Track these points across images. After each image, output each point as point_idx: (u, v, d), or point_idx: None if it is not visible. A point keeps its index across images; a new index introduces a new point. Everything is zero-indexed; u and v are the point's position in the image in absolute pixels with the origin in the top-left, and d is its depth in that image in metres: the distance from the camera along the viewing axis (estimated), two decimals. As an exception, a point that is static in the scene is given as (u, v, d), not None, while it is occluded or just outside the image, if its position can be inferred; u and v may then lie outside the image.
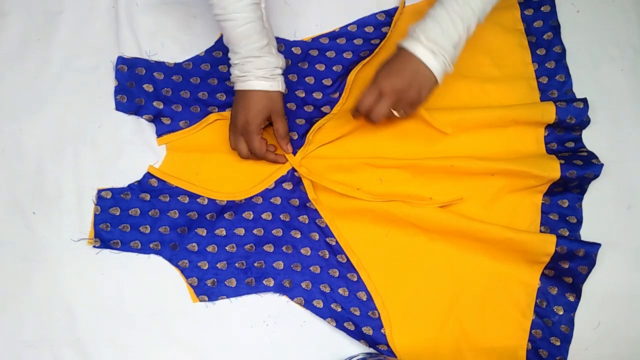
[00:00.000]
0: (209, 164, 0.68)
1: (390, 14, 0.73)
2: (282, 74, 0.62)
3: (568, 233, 0.65)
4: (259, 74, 0.60)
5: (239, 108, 0.62)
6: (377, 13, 0.73)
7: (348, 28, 0.73)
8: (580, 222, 0.66)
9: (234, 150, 0.65)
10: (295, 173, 0.67)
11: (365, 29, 0.72)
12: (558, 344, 0.62)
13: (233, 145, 0.65)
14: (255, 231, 0.65)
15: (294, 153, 0.67)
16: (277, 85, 0.61)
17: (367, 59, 0.69)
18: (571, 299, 0.63)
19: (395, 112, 0.60)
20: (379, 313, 0.62)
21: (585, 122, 0.66)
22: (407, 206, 0.63)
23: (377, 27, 0.72)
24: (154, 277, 0.64)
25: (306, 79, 0.70)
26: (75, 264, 0.64)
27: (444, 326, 0.63)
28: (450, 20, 0.56)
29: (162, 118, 0.68)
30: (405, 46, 0.58)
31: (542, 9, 0.72)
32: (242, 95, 0.61)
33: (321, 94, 0.70)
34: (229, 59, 0.61)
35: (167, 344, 0.63)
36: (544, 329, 0.63)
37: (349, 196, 0.64)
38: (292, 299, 0.64)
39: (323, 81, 0.70)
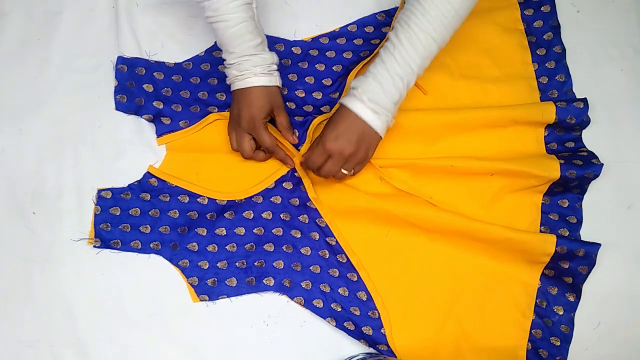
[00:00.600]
0: (209, 164, 0.68)
1: (390, 13, 0.73)
2: (278, 70, 0.63)
3: (568, 233, 0.65)
4: (257, 70, 0.60)
5: (241, 106, 0.62)
6: (377, 13, 0.73)
7: (348, 28, 0.73)
8: (580, 222, 0.66)
9: (237, 151, 0.65)
10: (295, 173, 0.67)
11: (365, 28, 0.72)
12: (558, 344, 0.62)
13: (236, 145, 0.65)
14: (255, 230, 0.65)
15: (297, 150, 0.67)
16: (275, 80, 0.62)
17: (367, 59, 0.69)
18: (571, 299, 0.63)
19: (344, 171, 0.61)
20: (378, 313, 0.62)
21: (585, 122, 0.66)
22: (407, 206, 0.63)
23: (377, 27, 0.72)
24: (154, 277, 0.64)
25: (306, 78, 0.70)
26: (75, 264, 0.64)
27: (444, 326, 0.63)
28: (391, 80, 0.57)
29: (162, 118, 0.68)
30: (350, 107, 0.58)
31: (542, 9, 0.72)
32: (243, 93, 0.61)
33: (321, 94, 0.70)
34: (224, 60, 0.62)
35: (167, 344, 0.63)
36: (544, 329, 0.63)
37: (351, 186, 0.64)
38: (292, 298, 0.64)
39: (323, 81, 0.70)
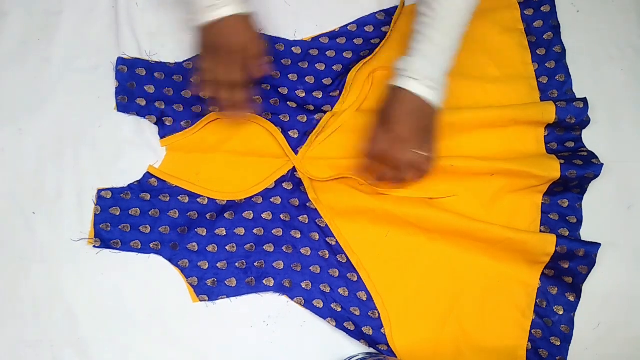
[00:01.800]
0: (209, 164, 0.68)
1: (390, 13, 0.73)
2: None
3: (568, 233, 0.65)
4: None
5: (232, 34, 0.58)
6: (376, 12, 0.73)
7: (348, 28, 0.73)
8: (580, 222, 0.66)
9: (219, 81, 0.61)
10: (295, 173, 0.67)
11: (365, 28, 0.72)
12: (558, 343, 0.62)
13: (222, 75, 0.60)
14: (255, 231, 0.65)
15: (296, 152, 0.67)
16: (251, 7, 0.60)
17: (367, 58, 0.69)
18: (571, 298, 0.63)
19: (420, 152, 0.60)
20: (379, 313, 0.62)
21: (585, 122, 0.66)
22: (407, 207, 0.63)
23: (377, 27, 0.72)
24: (154, 277, 0.64)
25: (306, 78, 0.70)
26: (75, 264, 0.64)
27: (444, 326, 0.63)
28: (438, 53, 0.57)
29: (164, 119, 0.68)
30: (405, 87, 0.58)
31: (542, 9, 0.72)
32: (230, 22, 0.57)
33: (321, 93, 0.70)
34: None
35: (167, 344, 0.63)
36: (544, 329, 0.63)
37: (352, 185, 0.64)
38: (292, 298, 0.64)
39: (323, 81, 0.70)
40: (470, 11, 0.58)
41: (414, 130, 0.59)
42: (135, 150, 0.68)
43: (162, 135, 0.68)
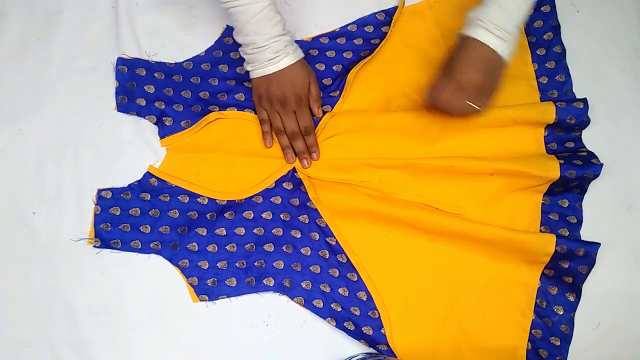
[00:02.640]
0: (209, 164, 0.68)
1: (390, 13, 0.73)
2: None
3: (568, 233, 0.65)
4: (290, 49, 0.61)
5: (285, 86, 0.62)
6: (376, 12, 0.73)
7: (348, 28, 0.73)
8: (580, 222, 0.66)
9: (282, 131, 0.65)
10: (295, 174, 0.67)
11: (365, 28, 0.72)
12: (558, 344, 0.62)
13: (284, 126, 0.65)
14: (255, 231, 0.65)
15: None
16: (302, 52, 0.64)
17: (367, 58, 0.69)
18: (571, 298, 0.63)
19: (473, 105, 0.60)
20: (378, 313, 0.62)
21: (585, 122, 0.66)
22: (407, 208, 0.63)
23: (376, 27, 0.72)
24: (154, 277, 0.64)
25: (306, 78, 0.70)
26: (75, 264, 0.64)
27: (444, 326, 0.63)
28: (513, 3, 0.56)
29: (164, 119, 0.68)
30: (475, 36, 0.57)
31: (542, 9, 0.72)
32: (283, 74, 0.61)
33: (321, 93, 0.70)
34: (242, 45, 0.62)
35: (167, 344, 0.63)
36: (544, 329, 0.63)
37: (352, 186, 0.64)
38: (292, 298, 0.64)
39: (323, 81, 0.70)
40: None
41: (477, 82, 0.58)
42: (135, 150, 0.68)
43: (162, 135, 0.68)
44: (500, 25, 0.57)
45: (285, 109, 0.64)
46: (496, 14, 0.57)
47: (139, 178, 0.67)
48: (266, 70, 0.61)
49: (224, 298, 0.64)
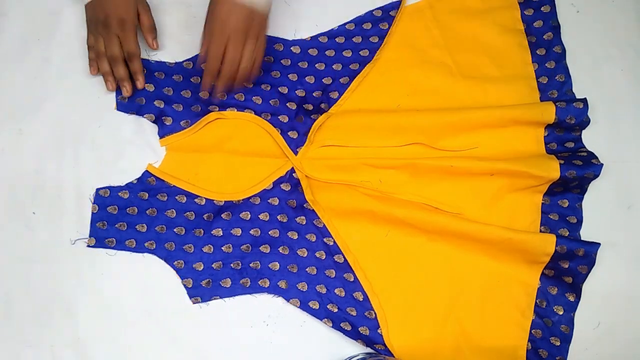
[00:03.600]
0: (209, 164, 0.68)
1: (386, 9, 0.73)
2: None
3: (568, 233, 0.65)
4: None
5: (108, 8, 0.63)
6: (373, 10, 0.73)
7: (346, 27, 0.73)
8: (580, 222, 0.65)
9: (103, 55, 0.65)
10: (293, 174, 0.67)
11: (363, 26, 0.73)
12: (558, 344, 0.62)
13: (104, 49, 0.65)
14: (252, 231, 0.65)
15: (295, 153, 0.67)
16: None
17: (370, 63, 0.70)
18: (571, 298, 0.63)
19: (246, 54, 0.61)
20: (375, 313, 0.62)
21: (585, 122, 0.66)
22: (407, 208, 0.63)
23: (374, 24, 0.72)
24: (155, 277, 0.64)
25: (306, 78, 0.71)
26: (75, 264, 0.64)
27: (444, 326, 0.63)
28: None
29: (163, 118, 0.68)
30: None
31: (542, 9, 0.72)
32: None
33: (321, 93, 0.70)
34: None
35: (167, 344, 0.63)
36: (544, 329, 0.63)
37: (352, 186, 0.64)
38: (287, 300, 0.63)
39: (323, 80, 0.70)
40: None
41: (239, 24, 0.59)
42: (135, 150, 0.68)
43: (162, 134, 0.68)
44: None
45: (107, 32, 0.64)
46: None
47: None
48: None
49: (217, 299, 0.63)
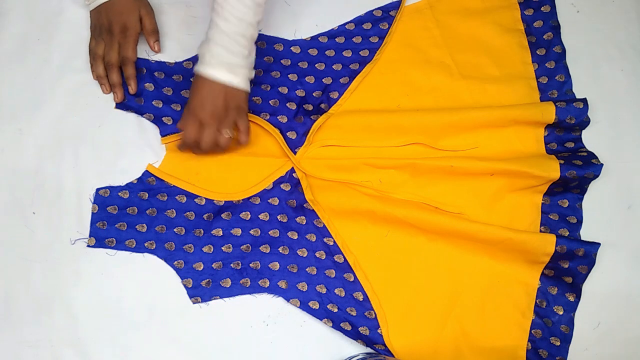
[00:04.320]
0: (209, 164, 0.68)
1: (386, 9, 0.73)
2: None
3: (568, 233, 0.65)
4: None
5: (112, 15, 0.65)
6: (373, 10, 0.73)
7: (346, 27, 0.73)
8: (580, 222, 0.66)
9: (100, 59, 0.66)
10: (293, 174, 0.67)
11: (363, 26, 0.73)
12: (558, 344, 0.62)
13: (105, 54, 0.66)
14: (252, 231, 0.65)
15: (294, 152, 0.67)
16: None
17: (370, 63, 0.69)
18: (571, 298, 0.63)
19: (225, 134, 0.62)
20: (375, 313, 0.62)
21: (585, 122, 0.66)
22: (407, 208, 0.63)
23: (374, 24, 0.72)
24: (155, 277, 0.64)
25: (306, 78, 0.71)
26: (75, 264, 0.64)
27: (444, 326, 0.63)
28: (232, 41, 0.58)
29: (163, 118, 0.68)
30: (205, 74, 0.59)
31: (542, 9, 0.72)
32: (112, 3, 0.64)
33: (321, 93, 0.70)
34: None
35: (167, 344, 0.63)
36: (544, 329, 0.63)
37: (352, 186, 0.64)
38: (287, 300, 0.63)
39: (323, 80, 0.70)
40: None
41: (215, 112, 0.60)
42: (136, 150, 0.68)
43: (164, 133, 0.68)
44: (225, 61, 0.59)
45: (110, 38, 0.66)
46: (218, 52, 0.58)
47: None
48: (98, 1, 0.64)
49: (217, 299, 0.63)
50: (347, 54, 0.71)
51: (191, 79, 0.63)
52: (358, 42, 0.72)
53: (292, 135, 0.68)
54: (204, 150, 0.63)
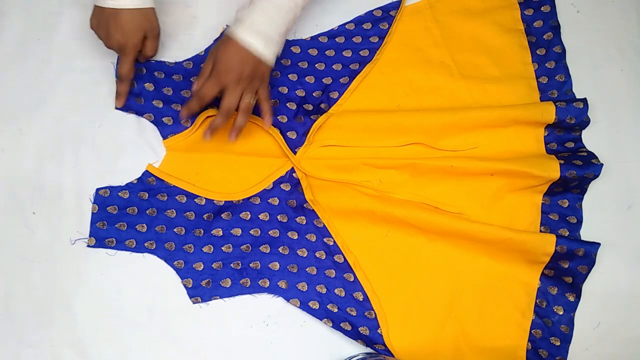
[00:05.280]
0: (209, 164, 0.68)
1: (386, 9, 0.73)
2: None
3: (568, 233, 0.65)
4: None
5: (113, 27, 0.60)
6: (373, 10, 0.73)
7: (346, 27, 0.73)
8: (580, 222, 0.66)
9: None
10: (293, 174, 0.67)
11: (363, 26, 0.73)
12: (558, 344, 0.62)
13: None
14: (252, 231, 0.65)
15: (294, 152, 0.67)
16: (149, 1, 0.61)
17: (370, 63, 0.69)
18: (571, 298, 0.63)
19: (247, 99, 0.61)
20: (375, 313, 0.62)
21: (585, 122, 0.66)
22: (407, 208, 0.63)
23: (374, 24, 0.72)
24: (155, 277, 0.64)
25: (306, 78, 0.71)
26: (75, 264, 0.64)
27: (444, 326, 0.63)
28: (276, 12, 0.58)
29: (163, 118, 0.68)
30: (239, 37, 0.58)
31: (542, 9, 0.72)
32: (117, 14, 0.60)
33: (321, 93, 0.70)
34: None
35: (167, 344, 0.63)
36: (544, 329, 0.63)
37: (352, 186, 0.64)
38: (287, 300, 0.63)
39: (323, 80, 0.70)
40: None
41: (239, 78, 0.59)
42: (136, 150, 0.68)
43: (165, 135, 0.68)
44: (262, 30, 0.58)
45: (108, 48, 0.64)
46: (259, 19, 0.58)
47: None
48: (104, 2, 0.60)
49: (217, 299, 0.63)
50: (347, 54, 0.71)
51: (215, 42, 0.61)
52: (358, 42, 0.72)
53: (292, 135, 0.68)
54: (224, 114, 0.60)
